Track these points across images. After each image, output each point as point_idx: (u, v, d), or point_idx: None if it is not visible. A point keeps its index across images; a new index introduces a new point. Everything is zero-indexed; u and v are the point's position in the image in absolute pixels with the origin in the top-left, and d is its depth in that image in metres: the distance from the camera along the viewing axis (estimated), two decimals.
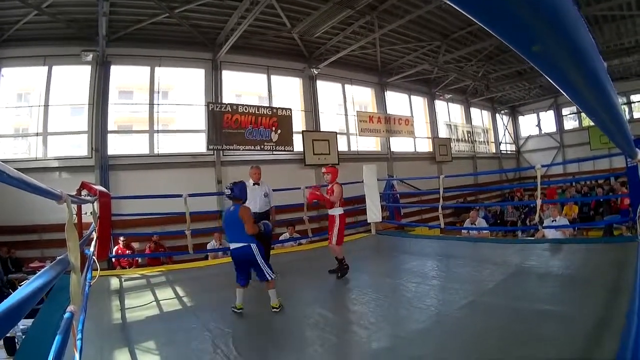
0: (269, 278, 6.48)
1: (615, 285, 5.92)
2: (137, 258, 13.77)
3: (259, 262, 6.46)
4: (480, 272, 7.96)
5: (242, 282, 6.58)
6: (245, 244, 6.51)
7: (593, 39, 1.26)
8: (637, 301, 3.84)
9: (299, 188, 13.02)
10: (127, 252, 13.55)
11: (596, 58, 1.31)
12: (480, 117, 34.20)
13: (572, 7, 1.01)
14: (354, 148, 23.21)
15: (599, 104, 1.73)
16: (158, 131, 16.98)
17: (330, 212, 8.84)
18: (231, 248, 6.72)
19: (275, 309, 6.42)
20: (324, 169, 9.24)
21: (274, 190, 11.30)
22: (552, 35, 1.02)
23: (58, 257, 3.14)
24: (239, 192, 6.84)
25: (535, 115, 35.88)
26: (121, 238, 13.30)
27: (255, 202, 9.10)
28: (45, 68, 15.18)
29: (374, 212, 13.29)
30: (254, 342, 5.25)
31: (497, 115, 35.95)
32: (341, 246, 8.68)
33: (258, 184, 9.45)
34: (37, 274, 2.45)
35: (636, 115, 28.99)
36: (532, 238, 12.98)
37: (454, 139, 29.69)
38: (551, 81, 1.35)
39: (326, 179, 9.04)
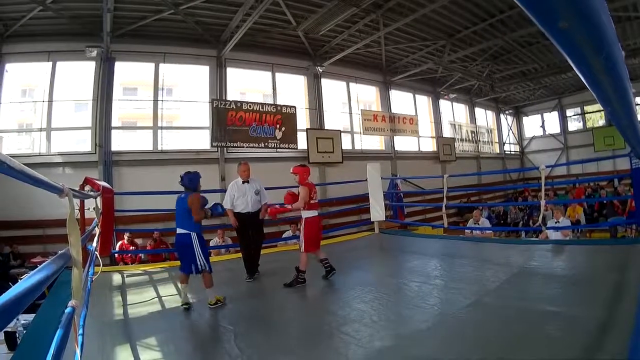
0: (200, 269, 6.66)
1: (619, 287, 5.90)
2: (139, 254, 13.78)
3: (195, 251, 6.68)
4: (484, 272, 7.93)
5: (185, 270, 6.86)
6: (187, 232, 6.75)
7: None
8: None
9: None
10: (131, 247, 13.56)
11: (616, 45, 1.30)
12: (485, 117, 34.19)
13: None
14: (358, 146, 23.28)
15: (614, 93, 1.72)
16: (162, 128, 17.00)
17: (302, 214, 8.10)
18: (177, 233, 6.91)
19: (210, 306, 6.53)
20: (292, 170, 8.29)
21: (279, 188, 11.24)
22: (579, 14, 1.01)
23: (59, 252, 3.12)
24: (188, 181, 7.06)
25: (539, 116, 35.92)
26: (126, 234, 13.32)
27: (246, 201, 8.89)
28: (50, 64, 15.22)
29: (377, 211, 13.28)
30: (256, 339, 5.21)
31: (502, 115, 35.93)
32: (306, 255, 7.89)
33: (248, 182, 9.01)
34: (37, 268, 2.43)
35: None
36: (536, 239, 12.96)
37: (458, 139, 29.69)
38: (570, 62, 1.34)
39: (295, 180, 8.22)
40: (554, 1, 0.96)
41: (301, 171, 8.13)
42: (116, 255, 12.90)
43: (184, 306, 6.53)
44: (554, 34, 1.13)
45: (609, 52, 1.26)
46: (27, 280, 2.12)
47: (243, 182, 9.00)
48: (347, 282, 7.95)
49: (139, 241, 14.41)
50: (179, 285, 6.85)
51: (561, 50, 1.25)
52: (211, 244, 13.06)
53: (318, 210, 8.29)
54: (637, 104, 18.87)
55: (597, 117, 32.26)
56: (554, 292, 6.18)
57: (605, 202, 18.21)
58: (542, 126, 35.63)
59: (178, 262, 10.77)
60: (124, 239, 13.40)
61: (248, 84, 21.29)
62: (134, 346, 5.05)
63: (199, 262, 6.66)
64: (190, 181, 7.07)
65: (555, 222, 12.09)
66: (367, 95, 24.90)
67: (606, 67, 1.37)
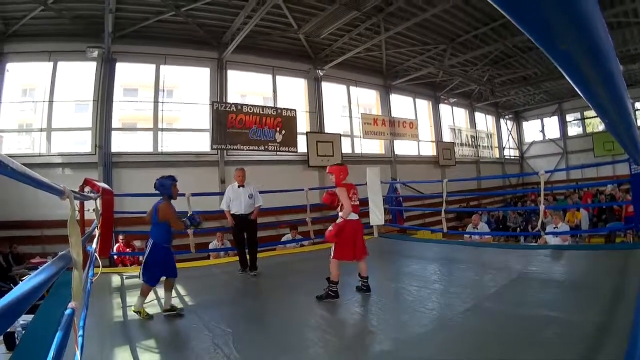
0: (140, 279, 6.52)
1: (617, 292, 5.93)
2: (138, 256, 13.76)
3: (145, 257, 6.62)
4: (482, 277, 7.97)
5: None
6: (155, 241, 6.68)
7: None
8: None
9: (302, 189, 13.01)
10: (128, 250, 13.53)
11: (613, 58, 1.31)
12: (485, 121, 34.22)
13: (596, 10, 1.00)
14: (357, 150, 23.25)
15: (612, 106, 1.74)
16: (162, 129, 16.98)
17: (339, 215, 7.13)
18: (150, 242, 6.72)
19: (133, 310, 6.36)
20: (327, 169, 7.63)
21: (278, 191, 11.39)
22: (579, 35, 1.03)
23: (60, 253, 3.12)
24: (159, 186, 6.92)
25: (539, 121, 35.95)
26: (120, 236, 13.26)
27: (240, 203, 9.51)
28: (51, 64, 15.19)
29: (376, 215, 13.26)
30: (255, 342, 5.22)
31: (501, 120, 35.93)
32: (337, 262, 7.02)
33: (243, 186, 9.64)
34: (38, 270, 2.43)
35: None
36: (535, 244, 12.97)
37: (457, 143, 29.66)
38: (570, 81, 1.35)
39: (331, 181, 7.40)
40: (554, 26, 0.98)
41: (337, 171, 7.31)
42: (115, 257, 12.87)
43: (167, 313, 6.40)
44: (555, 55, 1.14)
45: (607, 66, 1.27)
46: (29, 282, 2.12)
47: (239, 186, 9.62)
48: (346, 286, 7.95)
49: (137, 243, 14.38)
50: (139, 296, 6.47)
51: (561, 68, 1.26)
52: (210, 246, 13.11)
53: (357, 213, 7.32)
54: (638, 109, 18.96)
55: (597, 123, 32.25)
56: (553, 297, 6.21)
57: (604, 207, 18.23)
58: (542, 131, 35.66)
59: (178, 265, 10.85)
60: (119, 241, 13.37)
61: (248, 87, 21.32)
62: (134, 348, 5.06)
63: (140, 275, 6.53)
64: (162, 186, 6.89)
65: (554, 228, 12.12)
66: (367, 98, 24.91)
67: (604, 80, 1.39)
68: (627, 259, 7.81)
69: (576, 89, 1.47)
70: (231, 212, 9.60)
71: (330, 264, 7.02)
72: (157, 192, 7.00)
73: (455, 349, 4.72)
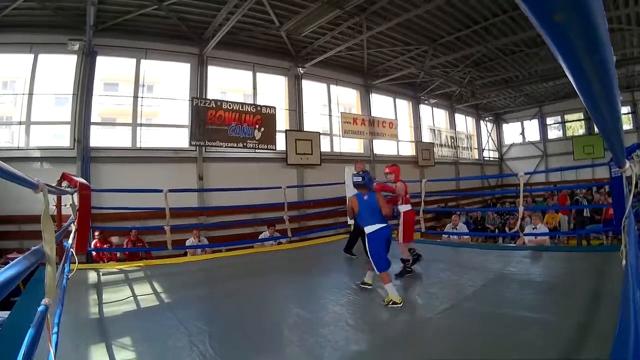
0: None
1: (596, 293, 6.00)
2: (116, 252, 13.63)
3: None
4: (461, 277, 8.00)
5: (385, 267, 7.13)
6: (386, 225, 7.22)
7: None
8: (626, 309, 3.86)
9: (280, 187, 12.98)
10: (105, 246, 13.40)
11: (609, 47, 1.28)
12: (465, 123, 34.44)
13: None
14: (336, 149, 23.25)
15: (603, 97, 1.68)
16: (141, 125, 16.82)
17: (401, 208, 8.97)
18: (377, 229, 7.13)
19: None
20: (386, 169, 9.30)
21: (257, 188, 11.52)
22: (576, 7, 0.99)
23: (33, 248, 3.08)
24: (368, 181, 7.52)
25: (519, 123, 36.33)
26: (96, 232, 13.15)
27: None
28: (31, 56, 14.98)
29: None
30: (231, 340, 5.20)
31: (482, 122, 36.24)
32: (407, 244, 8.65)
33: None
34: (9, 264, 2.39)
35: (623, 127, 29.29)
36: (513, 244, 13.08)
37: (437, 144, 29.84)
38: (562, 62, 1.30)
39: (389, 179, 9.18)
40: None
41: (397, 170, 9.13)
42: (93, 253, 12.75)
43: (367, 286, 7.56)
44: (548, 27, 1.10)
45: (603, 54, 1.24)
46: None
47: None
48: (323, 284, 7.99)
49: (114, 239, 14.27)
50: (385, 285, 6.66)
51: (554, 47, 1.20)
52: (187, 243, 13.05)
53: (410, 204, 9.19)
54: (623, 113, 19.15)
55: (577, 126, 32.73)
56: (532, 297, 6.28)
57: (583, 209, 18.44)
58: (522, 134, 36.01)
59: (154, 261, 10.81)
60: (95, 237, 13.22)
61: (229, 83, 21.20)
62: (109, 345, 5.01)
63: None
64: (370, 181, 7.58)
65: (533, 228, 12.25)
66: (347, 97, 24.89)
67: (598, 70, 1.35)
68: (605, 261, 7.88)
69: (570, 76, 1.43)
70: None
71: (402, 247, 8.56)
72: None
73: (433, 350, 4.76)
